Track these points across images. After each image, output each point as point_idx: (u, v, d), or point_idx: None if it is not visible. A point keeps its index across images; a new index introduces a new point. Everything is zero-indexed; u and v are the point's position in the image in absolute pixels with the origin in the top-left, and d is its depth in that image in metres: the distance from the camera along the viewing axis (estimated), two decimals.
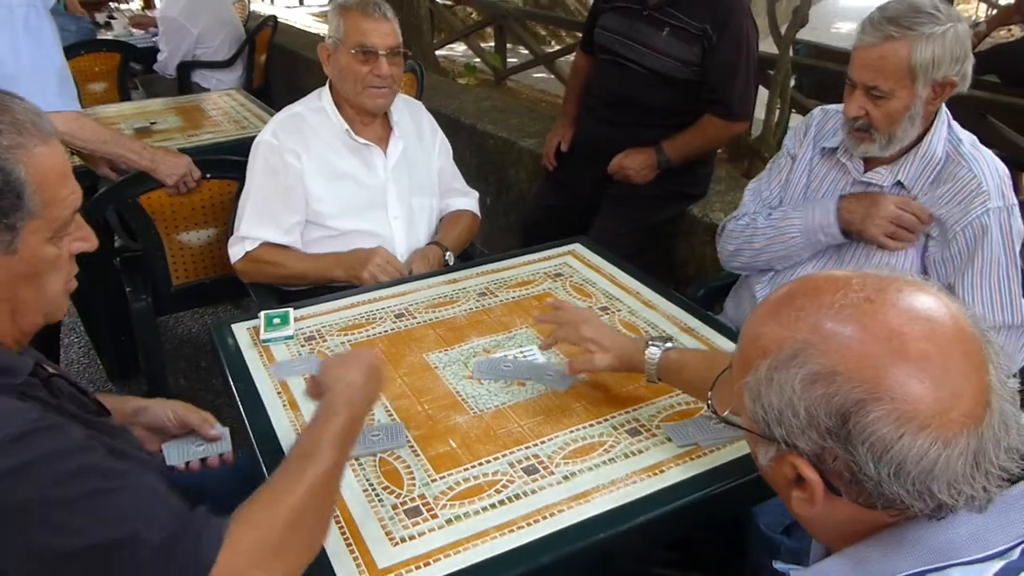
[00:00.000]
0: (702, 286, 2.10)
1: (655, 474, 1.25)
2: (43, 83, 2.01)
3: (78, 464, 0.85)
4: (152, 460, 1.06)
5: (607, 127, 2.55)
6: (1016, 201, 1.60)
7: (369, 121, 2.07)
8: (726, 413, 0.83)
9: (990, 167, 1.60)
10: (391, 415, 1.40)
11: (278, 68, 5.19)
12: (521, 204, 3.35)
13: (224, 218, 2.53)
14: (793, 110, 4.17)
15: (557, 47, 8.04)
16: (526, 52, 7.79)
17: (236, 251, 2.03)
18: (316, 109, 2.07)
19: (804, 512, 0.77)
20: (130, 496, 0.87)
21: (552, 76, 7.22)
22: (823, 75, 4.63)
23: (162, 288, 2.55)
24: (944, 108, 1.64)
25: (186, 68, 4.62)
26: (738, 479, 1.24)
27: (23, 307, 0.99)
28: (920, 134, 1.64)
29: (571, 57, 7.30)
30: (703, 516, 1.25)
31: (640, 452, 1.30)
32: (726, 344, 1.59)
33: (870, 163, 1.72)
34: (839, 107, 1.84)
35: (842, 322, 0.70)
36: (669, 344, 1.34)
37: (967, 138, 1.66)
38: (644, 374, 1.35)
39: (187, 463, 1.31)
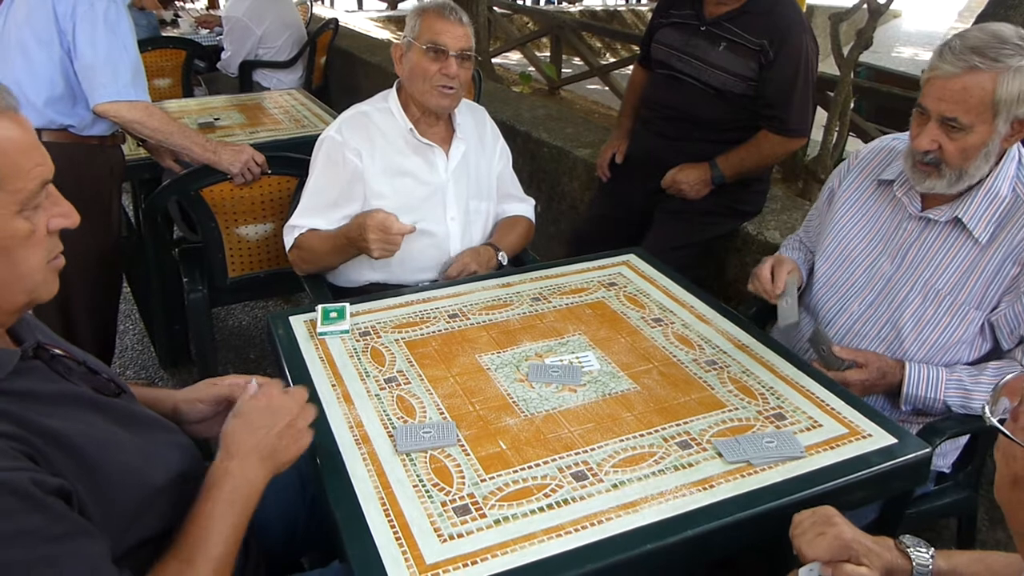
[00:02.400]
0: (754, 304, 2.07)
1: (705, 488, 1.24)
2: (118, 73, 2.09)
3: (26, 527, 0.83)
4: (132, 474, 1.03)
5: (662, 140, 2.54)
6: None
7: (433, 122, 2.10)
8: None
9: None
10: (443, 413, 1.41)
11: (337, 70, 5.28)
12: (572, 213, 3.35)
13: (282, 214, 2.58)
14: (851, 133, 4.11)
15: (612, 60, 8.06)
16: (580, 63, 7.82)
17: (287, 241, 2.08)
18: (382, 109, 2.11)
19: None
20: (61, 571, 0.86)
21: (606, 88, 7.23)
22: (883, 98, 4.58)
23: (218, 280, 2.61)
24: (1018, 145, 1.58)
25: (248, 67, 4.72)
26: (790, 499, 1.23)
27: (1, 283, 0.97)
28: (987, 172, 1.57)
29: (626, 71, 7.32)
30: (752, 535, 1.23)
31: (690, 465, 1.29)
32: (781, 364, 1.57)
33: (928, 200, 1.66)
34: (896, 138, 1.81)
35: None
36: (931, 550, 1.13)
37: None
38: None
39: None
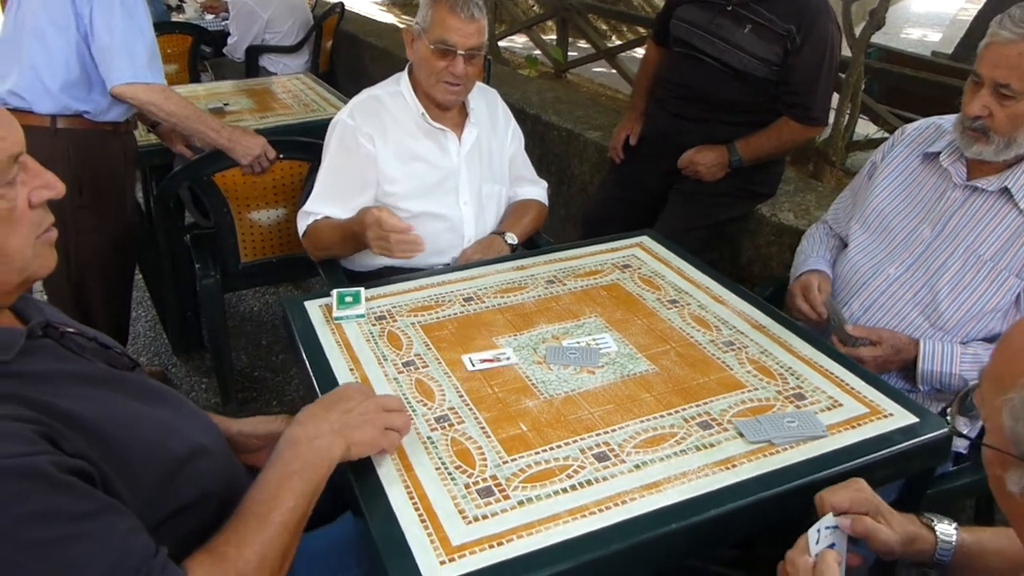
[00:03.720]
0: (770, 285, 2.07)
1: (727, 468, 1.24)
2: (134, 56, 2.10)
3: (48, 508, 0.83)
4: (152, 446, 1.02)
5: (678, 121, 2.52)
6: None
7: (444, 108, 2.09)
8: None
9: None
10: (462, 396, 1.41)
11: (343, 54, 5.26)
12: (582, 196, 3.34)
13: (294, 198, 2.58)
14: (863, 115, 4.08)
15: (618, 42, 8.00)
16: (586, 46, 7.77)
17: (300, 227, 2.07)
18: (394, 93, 2.10)
19: None
20: (91, 545, 0.86)
21: (613, 71, 7.18)
22: (894, 79, 4.54)
23: (231, 265, 2.62)
24: None
25: (254, 52, 4.71)
26: (811, 478, 1.23)
27: None
28: None
29: (632, 53, 7.27)
30: (774, 515, 1.23)
31: (711, 446, 1.29)
32: (799, 344, 1.57)
33: (974, 170, 1.69)
34: (940, 119, 1.83)
35: None
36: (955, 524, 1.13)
37: None
38: (922, 560, 1.13)
39: None
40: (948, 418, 0.86)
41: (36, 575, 0.82)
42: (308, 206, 2.06)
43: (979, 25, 7.86)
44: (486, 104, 2.23)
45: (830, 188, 2.77)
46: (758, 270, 2.57)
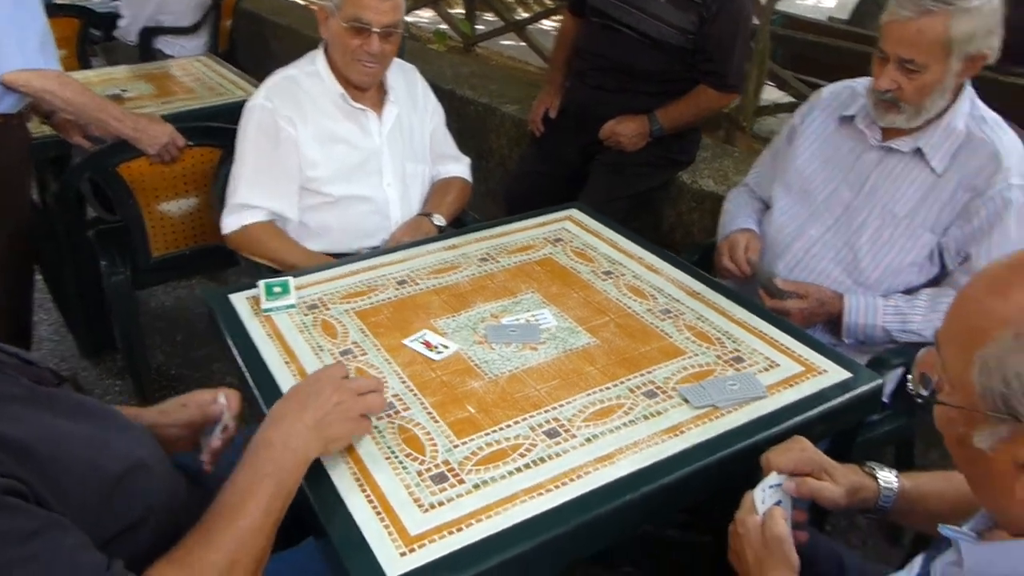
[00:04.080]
0: (696, 251, 2.11)
1: (676, 435, 1.26)
2: (25, 40, 1.96)
3: None
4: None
5: (597, 92, 2.52)
6: None
7: (361, 88, 2.03)
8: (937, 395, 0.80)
9: (1012, 146, 1.64)
10: (404, 382, 1.38)
11: (244, 34, 5.05)
12: (501, 170, 3.32)
13: (206, 186, 2.47)
14: (769, 81, 4.18)
15: (526, 15, 7.95)
16: (494, 19, 7.69)
17: (232, 221, 1.97)
18: (310, 73, 2.02)
19: None
20: (38, 566, 0.82)
21: (522, 44, 7.14)
22: (798, 46, 4.66)
23: (141, 260, 2.49)
24: (968, 85, 1.67)
25: (148, 34, 4.45)
26: (756, 438, 1.26)
27: None
28: (943, 108, 1.66)
29: (541, 25, 7.24)
30: (724, 477, 1.25)
31: (659, 414, 1.30)
32: (734, 308, 1.60)
33: (888, 131, 1.74)
34: (853, 82, 1.88)
35: None
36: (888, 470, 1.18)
37: (990, 116, 1.69)
38: (865, 507, 1.17)
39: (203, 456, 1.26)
40: (910, 386, 0.88)
41: None
42: (243, 197, 1.96)
43: None
44: (405, 81, 2.17)
45: (746, 154, 2.83)
46: (680, 237, 2.62)
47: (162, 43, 4.53)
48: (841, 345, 1.73)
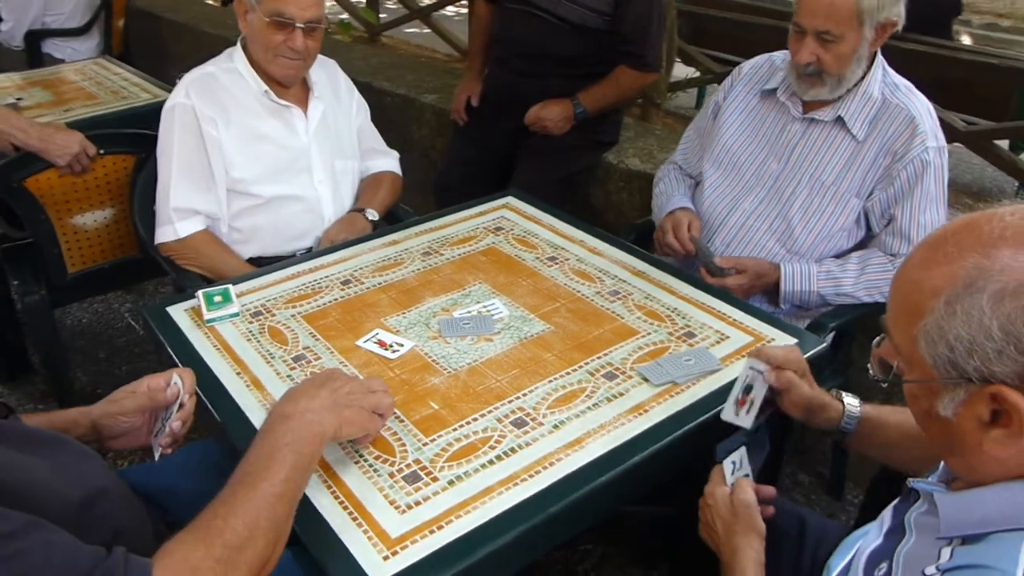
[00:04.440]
0: (632, 231, 2.14)
1: (640, 414, 1.28)
2: None
3: None
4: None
5: (519, 78, 2.52)
6: (945, 142, 1.72)
7: (284, 85, 1.97)
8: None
9: (925, 110, 1.73)
10: None
11: (139, 34, 4.81)
12: (425, 161, 3.29)
13: (122, 196, 2.36)
14: (677, 58, 4.27)
15: (429, 1, 7.87)
16: (395, 7, 7.58)
17: (168, 230, 1.88)
18: (229, 70, 1.95)
19: (1001, 452, 0.77)
20: (32, 559, 0.80)
21: (426, 31, 7.07)
22: (700, 21, 4.77)
23: (56, 278, 2.36)
24: (879, 54, 1.75)
25: (35, 37, 4.20)
26: (717, 410, 1.29)
27: None
28: (860, 77, 1.73)
29: (447, 12, 7.18)
30: (689, 451, 1.29)
31: (621, 395, 1.33)
32: (679, 284, 1.64)
33: (808, 104, 1.81)
34: (771, 56, 1.94)
35: (1011, 242, 0.74)
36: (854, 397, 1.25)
37: (901, 83, 1.77)
38: (829, 428, 1.24)
39: (160, 449, 1.21)
40: (870, 373, 0.93)
41: None
42: (176, 201, 1.87)
43: None
44: (327, 76, 2.13)
45: (667, 132, 2.88)
46: (613, 217, 2.65)
47: (50, 46, 4.29)
48: (780, 312, 1.80)
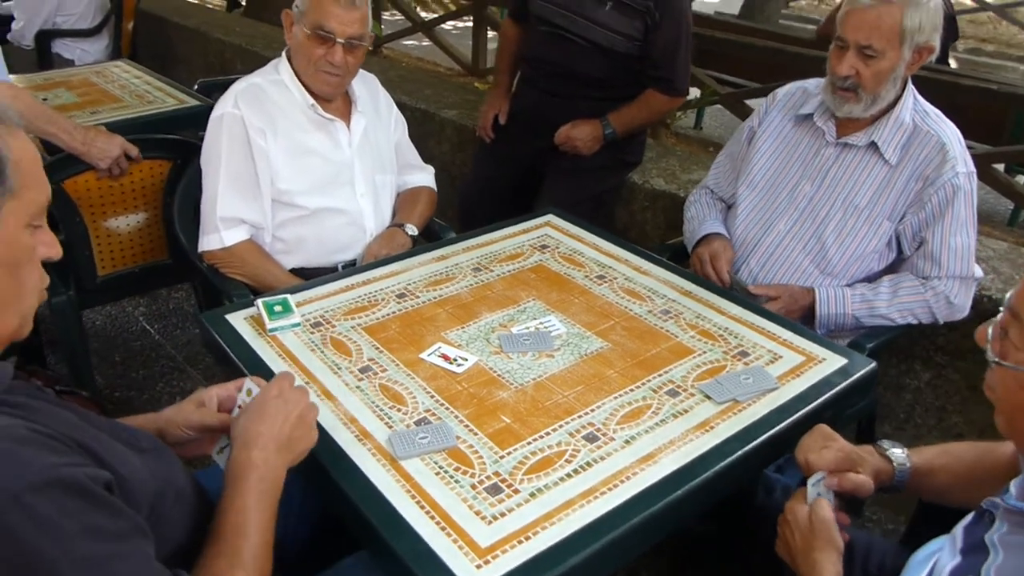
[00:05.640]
0: (665, 250, 2.19)
1: (707, 431, 1.33)
2: None
3: (94, 524, 0.83)
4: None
5: (549, 98, 2.57)
6: (974, 167, 1.80)
7: (324, 99, 2.00)
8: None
9: (955, 137, 1.80)
10: (432, 395, 1.39)
11: (146, 36, 4.81)
12: (445, 176, 3.30)
13: (155, 201, 2.37)
14: None
15: (427, 14, 7.93)
16: (395, 18, 7.63)
17: (215, 239, 1.90)
18: (275, 82, 1.97)
19: None
20: (129, 565, 0.85)
21: (426, 43, 7.13)
22: (703, 42, 4.86)
23: (86, 280, 2.36)
24: (910, 82, 1.82)
25: (46, 37, 4.18)
26: (779, 427, 1.34)
27: (2, 301, 0.94)
28: (892, 101, 1.80)
29: (446, 26, 7.24)
30: (753, 468, 1.33)
31: (686, 412, 1.37)
32: (727, 304, 1.69)
33: (843, 128, 1.87)
34: (804, 83, 2.01)
35: None
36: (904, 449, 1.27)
37: (931, 110, 1.84)
38: (881, 487, 1.26)
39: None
40: (988, 352, 0.98)
41: None
42: (219, 211, 1.89)
43: None
44: (368, 91, 2.16)
45: (688, 153, 2.95)
46: (635, 236, 2.70)
47: (60, 46, 4.27)
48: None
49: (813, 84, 1.98)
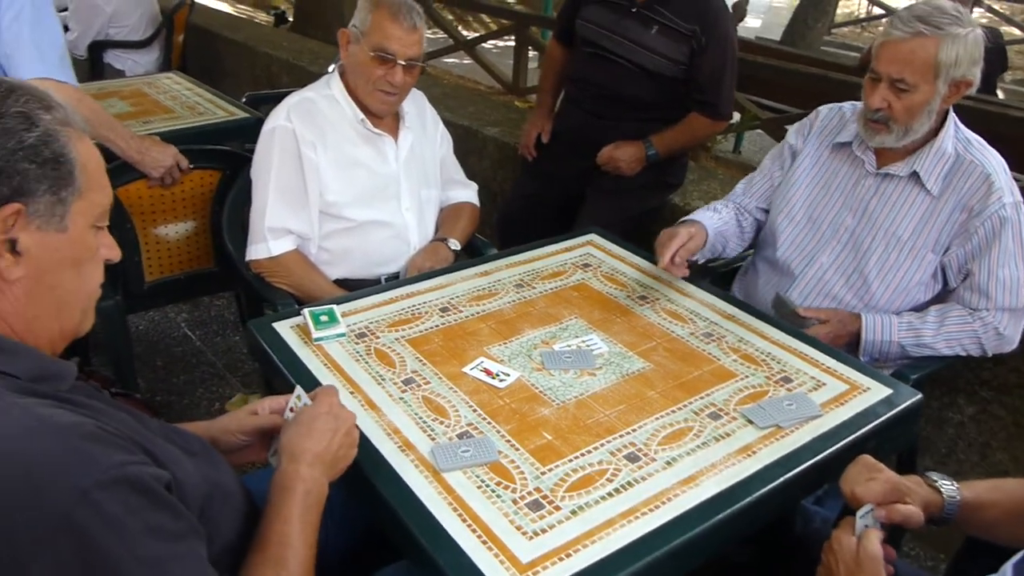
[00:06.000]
0: (707, 272, 2.18)
1: (749, 455, 1.32)
2: (45, 52, 1.94)
3: (157, 523, 0.84)
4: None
5: (593, 119, 2.59)
6: (1021, 197, 1.77)
7: (378, 116, 2.04)
8: None
9: (1000, 166, 1.77)
10: (474, 409, 1.40)
11: (195, 49, 4.93)
12: (485, 192, 3.32)
13: (204, 210, 2.43)
14: None
15: (466, 32, 8.04)
16: (436, 36, 7.73)
17: (262, 248, 1.94)
18: (327, 96, 2.02)
19: None
20: (186, 566, 0.87)
21: (466, 61, 7.21)
22: (748, 68, 4.86)
23: (134, 285, 2.42)
24: (951, 111, 1.79)
25: (98, 48, 4.31)
26: (823, 455, 1.33)
27: (68, 298, 0.98)
28: (933, 130, 1.78)
29: (487, 45, 7.32)
30: (795, 495, 1.32)
31: (728, 435, 1.36)
32: (770, 330, 1.68)
33: (882, 158, 1.85)
34: (841, 106, 1.99)
35: None
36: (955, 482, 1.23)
37: (974, 138, 1.82)
38: (930, 520, 1.22)
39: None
40: None
41: None
42: (267, 222, 1.93)
43: (801, 13, 8.60)
44: (416, 107, 2.19)
45: (729, 176, 2.94)
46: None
47: (112, 57, 4.40)
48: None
49: (849, 108, 1.96)
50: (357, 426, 1.22)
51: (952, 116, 1.80)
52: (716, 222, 1.99)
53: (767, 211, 2.07)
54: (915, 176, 1.81)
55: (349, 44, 1.97)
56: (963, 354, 1.80)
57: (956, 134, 1.80)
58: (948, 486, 1.25)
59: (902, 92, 1.70)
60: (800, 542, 1.60)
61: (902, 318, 1.81)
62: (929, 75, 1.67)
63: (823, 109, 2.02)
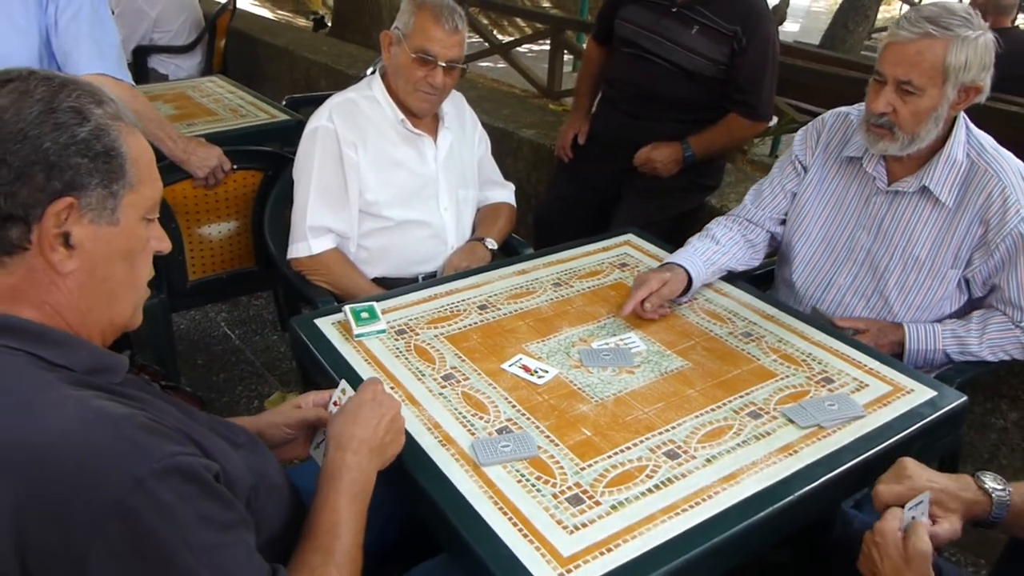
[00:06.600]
0: (744, 272, 2.17)
1: (790, 455, 1.31)
2: (103, 49, 2.01)
3: (208, 513, 0.86)
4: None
5: (631, 120, 2.59)
6: None
7: (418, 116, 2.06)
8: None
9: (1014, 171, 1.68)
10: (513, 405, 1.41)
11: (236, 54, 5.02)
12: (520, 194, 3.34)
13: (246, 210, 2.47)
14: None
15: (503, 37, 8.07)
16: (474, 40, 7.77)
17: (303, 247, 1.97)
18: (368, 97, 2.05)
19: None
20: (236, 555, 0.89)
21: (501, 65, 7.24)
22: (786, 71, 4.82)
23: (177, 284, 2.47)
24: (962, 113, 1.70)
25: (143, 53, 4.41)
26: (865, 456, 1.32)
27: (119, 290, 0.98)
28: (941, 138, 1.69)
29: (521, 49, 7.35)
30: (836, 496, 1.31)
31: (768, 434, 1.36)
32: (810, 330, 1.67)
33: (893, 173, 1.78)
34: (847, 111, 1.90)
35: None
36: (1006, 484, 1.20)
37: (987, 142, 1.72)
38: (976, 521, 1.20)
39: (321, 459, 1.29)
40: None
41: None
42: (308, 220, 1.97)
43: (841, 17, 8.51)
44: (454, 108, 2.21)
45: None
46: None
47: (156, 62, 4.49)
48: None
49: (856, 114, 1.86)
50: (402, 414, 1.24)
51: (962, 121, 1.71)
52: (710, 258, 1.85)
53: (781, 222, 1.98)
54: (925, 191, 1.73)
55: (391, 46, 2.00)
56: (1008, 359, 1.76)
57: (968, 139, 1.72)
58: (998, 488, 1.23)
59: (908, 96, 1.61)
60: (839, 545, 1.59)
61: (945, 326, 1.77)
62: (937, 78, 1.59)
63: (828, 116, 1.94)
